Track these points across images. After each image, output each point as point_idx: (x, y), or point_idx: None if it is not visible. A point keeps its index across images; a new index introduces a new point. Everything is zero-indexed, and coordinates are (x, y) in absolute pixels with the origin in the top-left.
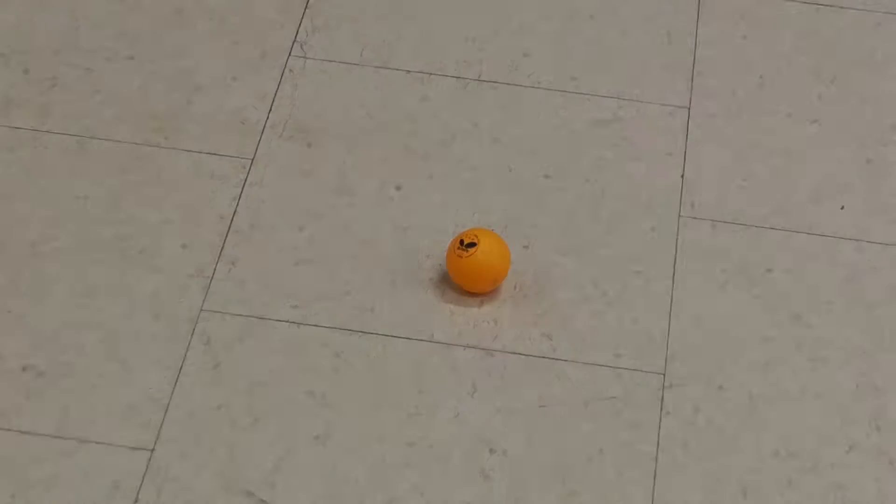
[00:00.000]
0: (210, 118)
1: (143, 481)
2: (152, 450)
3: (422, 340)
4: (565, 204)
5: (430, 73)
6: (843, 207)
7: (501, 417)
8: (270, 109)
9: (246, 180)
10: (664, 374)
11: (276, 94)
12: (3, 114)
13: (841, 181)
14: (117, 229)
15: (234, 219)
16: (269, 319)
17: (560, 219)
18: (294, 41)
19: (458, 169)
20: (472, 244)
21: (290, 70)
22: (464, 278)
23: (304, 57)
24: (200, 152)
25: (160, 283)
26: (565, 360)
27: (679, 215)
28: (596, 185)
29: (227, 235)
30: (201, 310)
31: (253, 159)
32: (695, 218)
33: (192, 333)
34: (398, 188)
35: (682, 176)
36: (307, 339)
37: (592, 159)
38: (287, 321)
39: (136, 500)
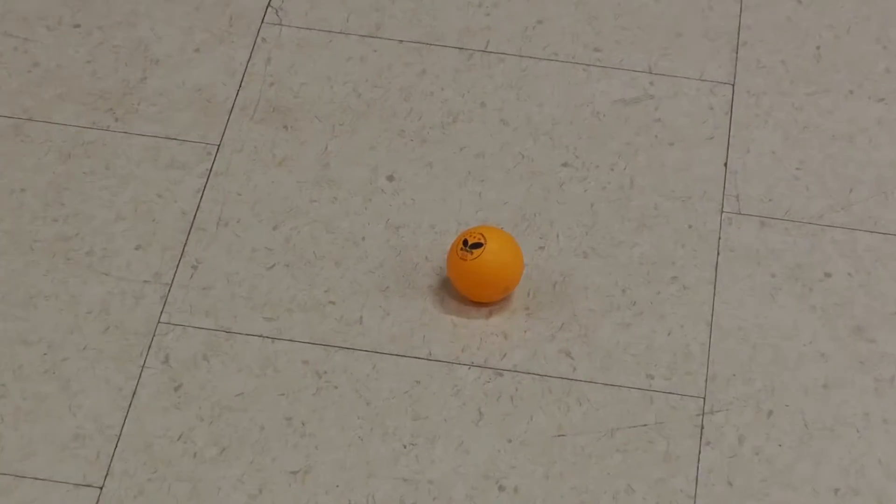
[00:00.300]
0: (169, 96)
1: None
2: (101, 487)
3: (418, 358)
4: (588, 197)
5: (429, 44)
6: None
7: (512, 449)
8: (240, 86)
9: (211, 169)
10: (704, 398)
11: (246, 68)
12: None
13: None
14: (60, 227)
15: (198, 215)
16: (239, 333)
17: (581, 214)
18: (268, 5)
19: (462, 156)
20: (478, 245)
21: (264, 39)
22: (468, 285)
23: (280, 24)
24: (157, 136)
25: (110, 291)
26: (588, 382)
27: (721, 211)
28: (624, 175)
29: (189, 234)
30: (159, 322)
31: (220, 145)
32: (740, 214)
33: (148, 350)
34: (390, 179)
35: (725, 164)
36: (283, 356)
37: (619, 144)
38: (260, 335)
39: None
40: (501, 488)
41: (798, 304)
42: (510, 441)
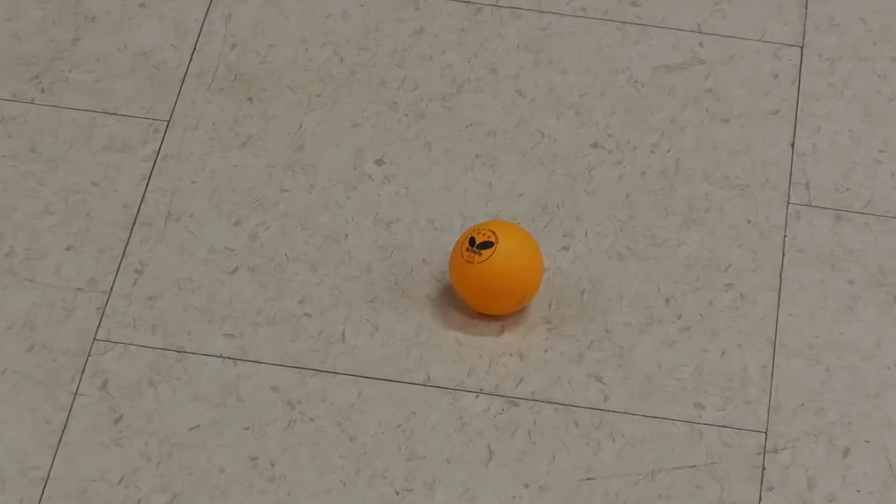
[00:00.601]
0: (107, 62)
1: None
2: None
3: (414, 384)
4: (623, 185)
5: None
6: None
7: (530, 496)
8: (194, 49)
9: (159, 152)
10: (765, 433)
11: (202, 27)
12: None
13: None
14: None
15: (143, 207)
16: (194, 354)
17: (615, 207)
18: None
19: (468, 135)
20: (488, 244)
21: None
22: (476, 293)
23: None
24: (93, 111)
25: (36, 301)
26: (622, 413)
27: (787, 202)
28: (668, 159)
29: (131, 232)
30: (95, 339)
31: (169, 121)
32: (810, 206)
33: (82, 373)
34: (380, 163)
35: (792, 145)
36: (248, 381)
37: (662, 120)
38: (219, 356)
39: None
40: None
41: (881, 316)
42: (527, 486)
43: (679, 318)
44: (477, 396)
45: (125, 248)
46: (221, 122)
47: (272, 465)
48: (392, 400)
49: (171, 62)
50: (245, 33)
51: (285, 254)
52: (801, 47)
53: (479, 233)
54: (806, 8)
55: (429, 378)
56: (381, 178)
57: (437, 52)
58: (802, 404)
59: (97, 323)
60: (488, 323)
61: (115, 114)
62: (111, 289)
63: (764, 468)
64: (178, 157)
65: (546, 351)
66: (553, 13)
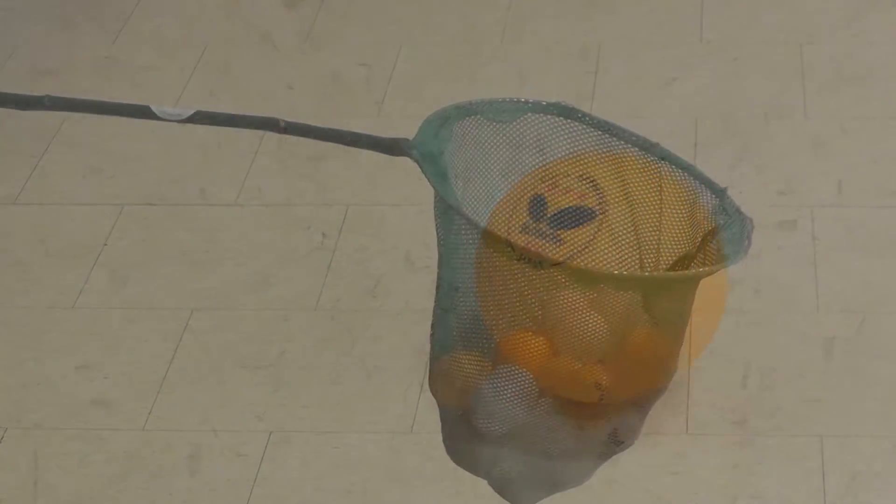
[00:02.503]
0: None
1: None
2: None
3: None
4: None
5: None
6: None
7: None
8: None
9: None
10: None
11: None
12: None
13: None
14: None
15: None
16: None
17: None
18: None
19: None
20: (581, 214)
21: None
22: (548, 350)
23: None
24: None
25: None
26: None
27: None
28: None
29: None
30: None
31: None
32: None
33: None
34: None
35: None
36: None
37: None
38: None
39: None
40: None
41: None
42: None
43: None
44: None
45: None
46: None
47: None
48: None
49: None
50: None
51: (42, 241)
52: None
53: (556, 185)
54: None
55: None
56: (313, 44)
57: None
58: None
59: None
60: (586, 414)
61: None
62: None
63: None
64: None
65: (725, 486)
66: None
